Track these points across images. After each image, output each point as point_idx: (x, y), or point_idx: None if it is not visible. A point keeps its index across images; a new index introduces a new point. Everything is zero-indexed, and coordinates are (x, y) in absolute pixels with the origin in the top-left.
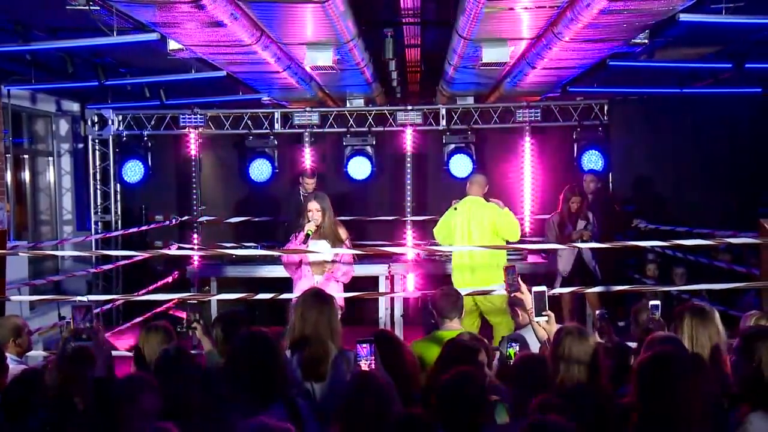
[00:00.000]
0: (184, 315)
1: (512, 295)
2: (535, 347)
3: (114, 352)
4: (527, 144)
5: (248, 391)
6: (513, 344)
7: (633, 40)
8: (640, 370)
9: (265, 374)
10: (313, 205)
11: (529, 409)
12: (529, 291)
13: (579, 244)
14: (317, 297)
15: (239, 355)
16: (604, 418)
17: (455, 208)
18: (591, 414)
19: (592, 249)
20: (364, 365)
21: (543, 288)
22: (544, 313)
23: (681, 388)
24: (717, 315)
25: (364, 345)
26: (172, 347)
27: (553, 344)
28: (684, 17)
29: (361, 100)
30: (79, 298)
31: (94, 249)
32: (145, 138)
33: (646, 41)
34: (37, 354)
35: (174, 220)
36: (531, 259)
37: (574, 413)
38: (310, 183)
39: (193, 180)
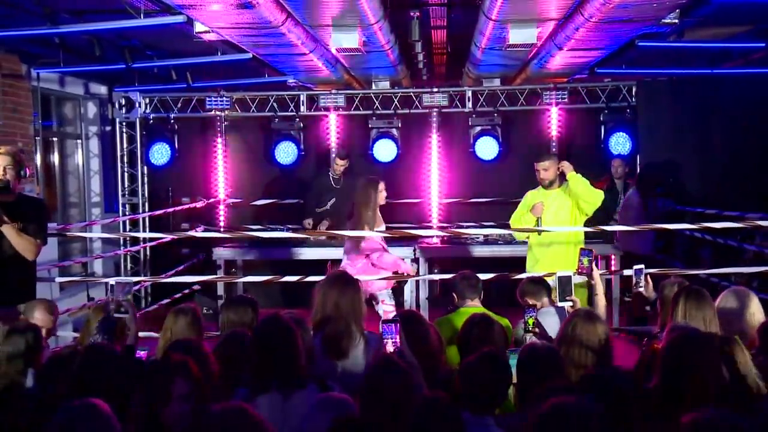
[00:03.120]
0: None
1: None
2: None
3: (142, 333)
4: (554, 126)
5: (277, 374)
6: (531, 311)
7: (663, 20)
8: (668, 347)
9: (287, 357)
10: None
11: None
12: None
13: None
14: (340, 278)
15: (260, 340)
16: (617, 400)
17: None
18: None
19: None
20: (389, 344)
21: (569, 273)
22: (568, 298)
23: (706, 367)
24: (755, 299)
25: (390, 324)
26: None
27: (563, 325)
28: None
29: (387, 83)
30: (113, 280)
31: (121, 231)
32: (172, 120)
33: (677, 21)
34: (67, 335)
35: (200, 203)
36: None
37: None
38: (340, 164)
39: (219, 163)
